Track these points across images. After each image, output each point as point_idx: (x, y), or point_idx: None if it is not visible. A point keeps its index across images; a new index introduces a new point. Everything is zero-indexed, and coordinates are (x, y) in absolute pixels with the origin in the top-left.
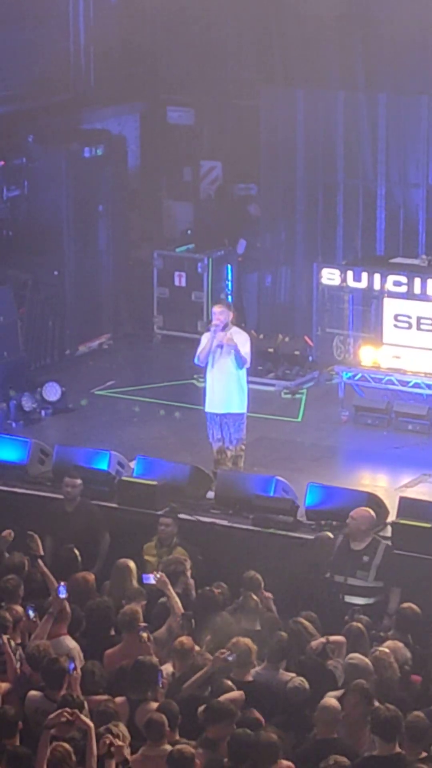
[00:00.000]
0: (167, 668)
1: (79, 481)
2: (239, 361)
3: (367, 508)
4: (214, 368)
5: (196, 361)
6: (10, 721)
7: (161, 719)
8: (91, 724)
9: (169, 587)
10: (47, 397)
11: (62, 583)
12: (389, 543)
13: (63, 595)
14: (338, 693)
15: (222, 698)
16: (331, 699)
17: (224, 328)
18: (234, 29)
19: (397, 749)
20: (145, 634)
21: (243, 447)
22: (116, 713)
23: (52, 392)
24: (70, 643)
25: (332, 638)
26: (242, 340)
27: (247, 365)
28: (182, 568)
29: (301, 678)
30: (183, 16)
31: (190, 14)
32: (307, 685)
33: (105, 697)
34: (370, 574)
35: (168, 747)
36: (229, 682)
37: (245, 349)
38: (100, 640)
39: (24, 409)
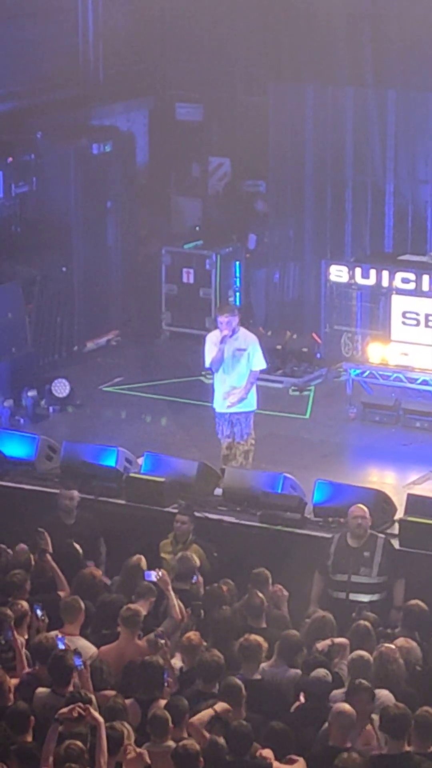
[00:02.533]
0: (175, 663)
1: (76, 493)
2: (254, 379)
3: (362, 504)
4: (228, 374)
5: (207, 366)
6: (22, 716)
7: (165, 715)
8: (101, 720)
9: (169, 587)
10: (56, 394)
11: (60, 636)
12: (386, 536)
13: (62, 648)
14: (340, 691)
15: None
16: (344, 704)
17: (233, 333)
18: (243, 25)
19: (406, 747)
20: (162, 641)
21: (253, 441)
22: (125, 709)
23: (60, 389)
24: (82, 643)
25: (337, 640)
26: (252, 344)
27: (264, 368)
28: (193, 569)
29: (325, 670)
30: (192, 12)
31: (198, 10)
32: (330, 677)
33: (113, 693)
34: (373, 570)
35: (171, 743)
36: (237, 680)
37: (257, 353)
38: (108, 636)
39: (24, 404)
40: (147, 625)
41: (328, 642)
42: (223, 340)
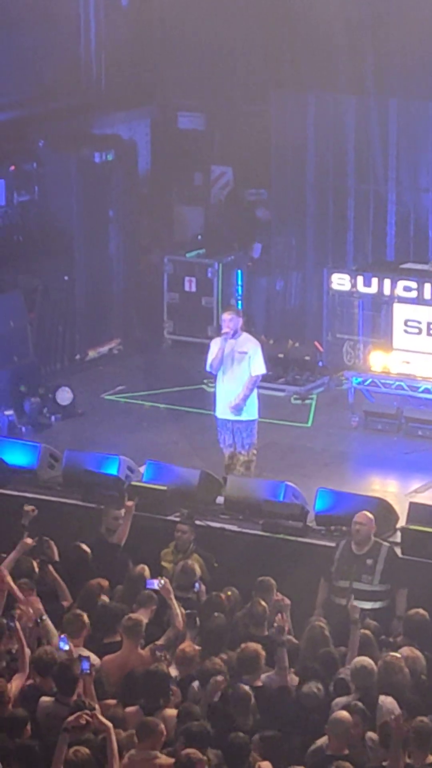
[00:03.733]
0: (171, 672)
1: (123, 512)
2: (254, 385)
3: (367, 512)
4: (226, 375)
5: (208, 368)
6: (20, 722)
7: (154, 723)
8: (110, 725)
9: (172, 597)
10: (61, 402)
11: (62, 636)
12: (390, 545)
13: (65, 648)
14: (344, 699)
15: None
16: (342, 712)
17: (234, 334)
18: (244, 34)
19: (407, 760)
20: (161, 653)
21: (255, 452)
22: (123, 719)
23: (64, 397)
24: (85, 654)
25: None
26: (253, 348)
27: (263, 372)
28: (195, 578)
29: (318, 684)
30: (193, 20)
31: (200, 19)
32: (321, 692)
33: (113, 702)
34: (374, 578)
35: (155, 752)
36: (246, 687)
37: (257, 357)
38: (109, 645)
39: (26, 412)
40: (150, 634)
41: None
42: (224, 338)
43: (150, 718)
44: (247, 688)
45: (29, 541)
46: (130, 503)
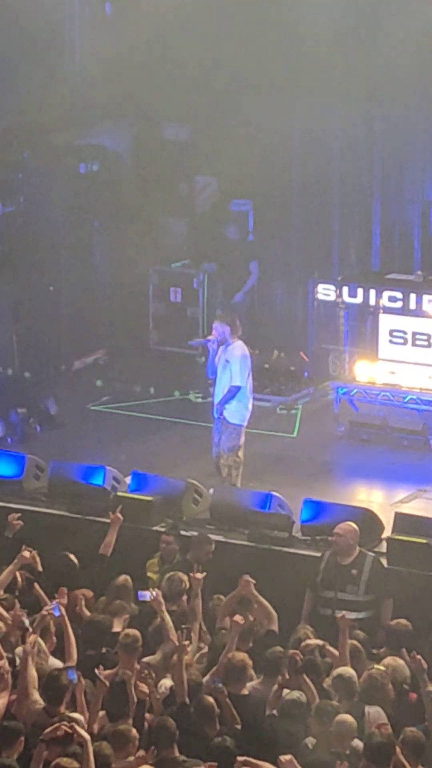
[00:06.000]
0: (165, 683)
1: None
2: (230, 394)
3: (350, 522)
4: (217, 379)
5: (208, 374)
6: (13, 734)
7: (127, 730)
8: (88, 737)
9: (164, 609)
10: (50, 412)
11: (55, 602)
12: (375, 555)
13: (58, 614)
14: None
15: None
16: (346, 715)
17: (225, 341)
18: (230, 44)
19: None
20: (146, 672)
21: (237, 459)
22: (113, 733)
23: (52, 407)
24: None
25: (329, 647)
26: (235, 358)
27: (239, 384)
28: (184, 587)
29: (299, 691)
30: (178, 30)
31: (185, 28)
32: (304, 698)
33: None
34: (359, 588)
35: (131, 759)
36: (210, 699)
37: (236, 368)
38: (93, 657)
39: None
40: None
41: (318, 642)
42: (210, 347)
43: (123, 726)
44: (211, 700)
45: (27, 554)
46: (115, 515)
